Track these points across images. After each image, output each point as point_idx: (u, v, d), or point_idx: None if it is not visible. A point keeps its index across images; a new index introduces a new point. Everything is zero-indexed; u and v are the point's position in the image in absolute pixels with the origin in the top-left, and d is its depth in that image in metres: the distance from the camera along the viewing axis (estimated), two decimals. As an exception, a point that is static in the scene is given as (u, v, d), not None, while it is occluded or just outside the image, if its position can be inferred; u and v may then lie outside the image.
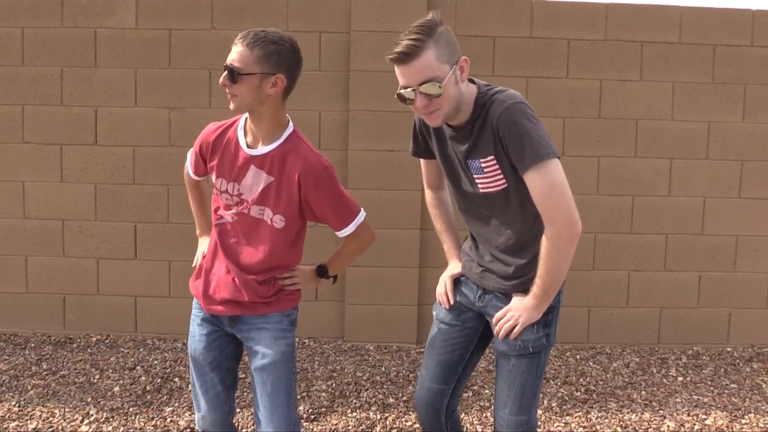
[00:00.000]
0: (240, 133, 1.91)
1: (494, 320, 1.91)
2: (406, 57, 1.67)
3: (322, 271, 2.11)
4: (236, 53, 1.78)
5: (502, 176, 1.81)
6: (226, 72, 1.79)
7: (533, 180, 1.71)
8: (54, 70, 3.83)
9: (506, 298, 1.92)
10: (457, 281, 2.08)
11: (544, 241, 1.77)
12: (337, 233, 1.99)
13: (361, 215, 1.98)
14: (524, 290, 1.87)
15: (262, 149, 1.88)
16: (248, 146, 1.90)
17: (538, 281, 1.81)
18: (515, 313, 1.86)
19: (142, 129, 3.86)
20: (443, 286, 2.09)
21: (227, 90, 1.81)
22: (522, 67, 3.86)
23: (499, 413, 1.95)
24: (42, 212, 3.92)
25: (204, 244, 2.16)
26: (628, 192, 3.94)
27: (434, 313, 2.13)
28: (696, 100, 3.91)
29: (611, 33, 3.85)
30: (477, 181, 1.86)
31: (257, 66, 1.77)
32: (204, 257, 2.03)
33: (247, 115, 1.90)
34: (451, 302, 2.06)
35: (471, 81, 1.85)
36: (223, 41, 3.81)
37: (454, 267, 2.11)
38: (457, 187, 1.96)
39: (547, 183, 1.70)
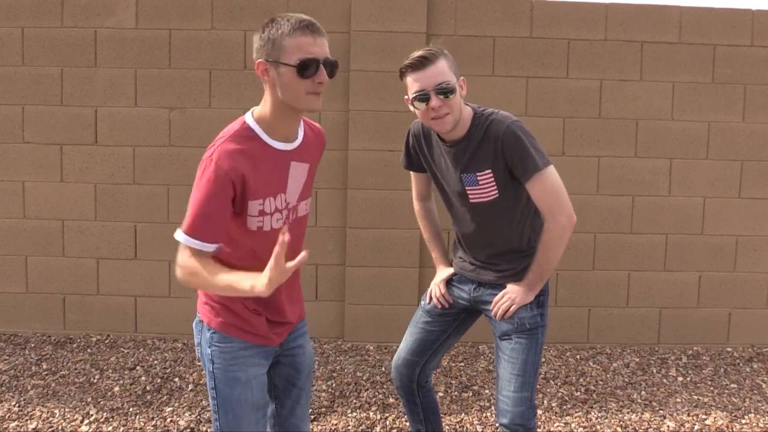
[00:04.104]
0: (265, 137, 1.67)
1: (492, 304, 2.13)
2: (425, 61, 1.93)
3: None
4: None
5: (495, 188, 2.04)
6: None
7: (537, 184, 1.98)
8: (54, 70, 3.83)
9: (500, 287, 2.15)
10: (448, 282, 2.30)
11: (546, 233, 2.03)
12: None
13: None
14: (517, 280, 2.12)
15: (297, 139, 1.75)
16: (287, 144, 1.71)
17: (536, 267, 2.07)
18: (511, 295, 2.09)
19: (142, 129, 3.87)
20: (438, 290, 2.29)
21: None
22: (522, 67, 3.86)
23: (504, 393, 2.09)
24: (42, 212, 3.92)
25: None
26: (628, 192, 3.94)
27: (422, 303, 2.35)
28: (696, 100, 3.91)
29: (611, 33, 3.85)
30: (468, 192, 2.07)
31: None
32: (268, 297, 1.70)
33: (251, 118, 1.68)
34: (446, 306, 2.27)
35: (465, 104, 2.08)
36: (223, 41, 3.82)
37: (443, 272, 2.32)
38: (449, 199, 2.17)
39: (549, 184, 1.99)
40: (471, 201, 2.08)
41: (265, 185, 1.66)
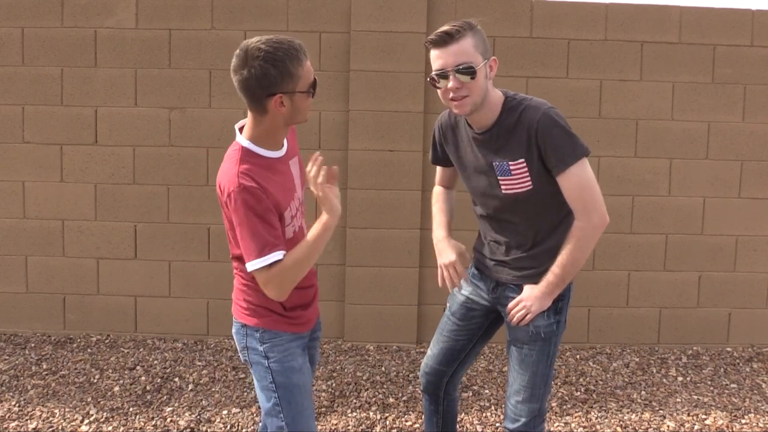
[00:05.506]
0: (265, 153, 1.78)
1: (507, 309, 2.01)
2: (448, 38, 1.80)
3: None
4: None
5: (528, 179, 1.91)
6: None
7: (572, 176, 1.86)
8: (54, 70, 3.83)
9: (518, 289, 2.02)
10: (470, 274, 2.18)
11: (576, 231, 1.89)
12: None
13: None
14: (536, 282, 1.97)
15: (286, 142, 1.87)
16: (280, 151, 1.84)
17: (557, 270, 1.91)
18: (527, 303, 1.96)
19: (142, 129, 3.87)
20: (452, 270, 2.05)
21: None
22: (522, 67, 3.86)
23: (512, 400, 2.04)
24: (42, 212, 3.92)
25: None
26: (628, 192, 3.94)
27: (448, 305, 2.26)
28: (696, 100, 3.91)
29: (611, 33, 3.85)
30: (501, 182, 1.94)
31: None
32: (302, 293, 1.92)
33: (246, 141, 1.77)
34: (464, 284, 2.16)
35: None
36: (223, 41, 3.82)
37: (448, 252, 2.07)
38: (477, 190, 2.03)
39: (585, 178, 1.88)
40: (504, 192, 1.94)
41: (283, 193, 1.77)
